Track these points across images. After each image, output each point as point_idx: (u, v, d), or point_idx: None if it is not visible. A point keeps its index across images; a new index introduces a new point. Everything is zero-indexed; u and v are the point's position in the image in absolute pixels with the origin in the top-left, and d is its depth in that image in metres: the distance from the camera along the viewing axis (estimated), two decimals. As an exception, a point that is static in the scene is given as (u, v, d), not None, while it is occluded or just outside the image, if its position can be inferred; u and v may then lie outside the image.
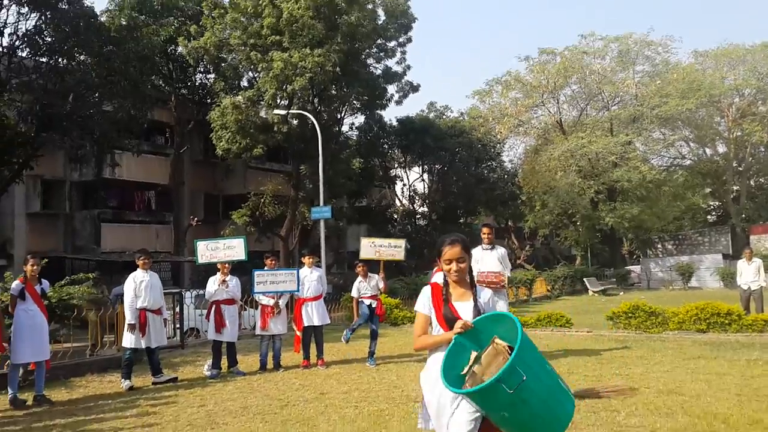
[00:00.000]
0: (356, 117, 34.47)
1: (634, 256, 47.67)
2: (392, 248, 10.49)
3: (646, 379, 7.84)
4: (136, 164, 29.16)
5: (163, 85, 30.07)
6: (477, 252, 9.96)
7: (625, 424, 5.87)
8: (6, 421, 6.85)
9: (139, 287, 8.74)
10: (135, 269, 8.94)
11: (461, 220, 40.93)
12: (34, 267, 7.70)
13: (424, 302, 3.62)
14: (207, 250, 9.82)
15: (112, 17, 24.81)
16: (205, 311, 10.14)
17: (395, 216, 42.09)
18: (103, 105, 22.23)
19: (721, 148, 42.99)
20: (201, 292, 10.76)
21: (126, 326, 8.72)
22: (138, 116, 24.05)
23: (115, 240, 28.74)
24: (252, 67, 26.67)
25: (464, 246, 3.55)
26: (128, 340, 8.69)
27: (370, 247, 10.46)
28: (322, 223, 23.90)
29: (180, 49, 28.36)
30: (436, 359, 3.41)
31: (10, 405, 7.45)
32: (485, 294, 3.62)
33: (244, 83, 28.59)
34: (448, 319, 3.47)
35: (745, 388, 7.25)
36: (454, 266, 3.51)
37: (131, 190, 32.02)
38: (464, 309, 3.50)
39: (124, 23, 24.42)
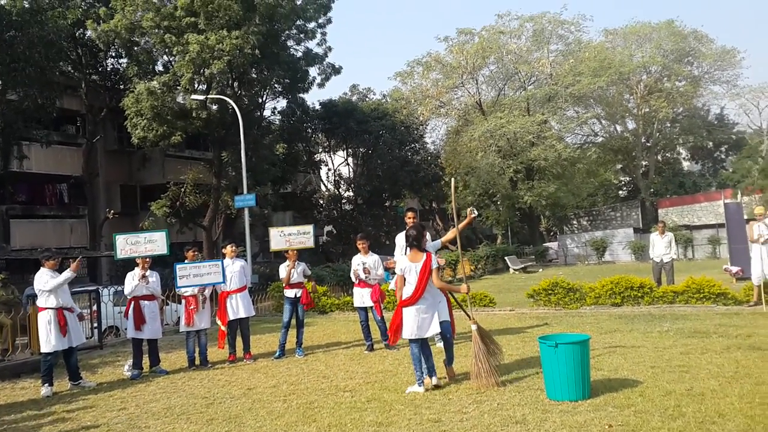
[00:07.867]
0: (278, 101, 34.04)
1: (552, 233, 49.34)
2: (301, 236, 10.21)
3: (567, 356, 8.07)
4: (45, 156, 27.77)
5: (72, 71, 28.61)
6: (402, 237, 9.96)
7: (548, 402, 6.05)
8: None
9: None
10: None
11: (386, 204, 41.13)
12: None
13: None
14: (127, 245, 9.39)
15: (14, 0, 23.35)
16: (124, 308, 9.75)
17: (321, 201, 41.87)
18: (7, 94, 21.00)
19: (631, 125, 45.05)
20: (120, 288, 10.33)
21: (42, 328, 8.24)
22: (46, 105, 22.90)
23: (26, 237, 27.36)
24: (167, 50, 25.64)
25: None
26: (47, 343, 8.23)
27: (280, 237, 10.21)
28: (246, 212, 23.48)
29: (89, 32, 26.84)
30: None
31: None
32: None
33: (159, 68, 27.50)
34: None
35: (658, 360, 7.61)
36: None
37: (42, 184, 30.51)
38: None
39: (27, 6, 23.07)
